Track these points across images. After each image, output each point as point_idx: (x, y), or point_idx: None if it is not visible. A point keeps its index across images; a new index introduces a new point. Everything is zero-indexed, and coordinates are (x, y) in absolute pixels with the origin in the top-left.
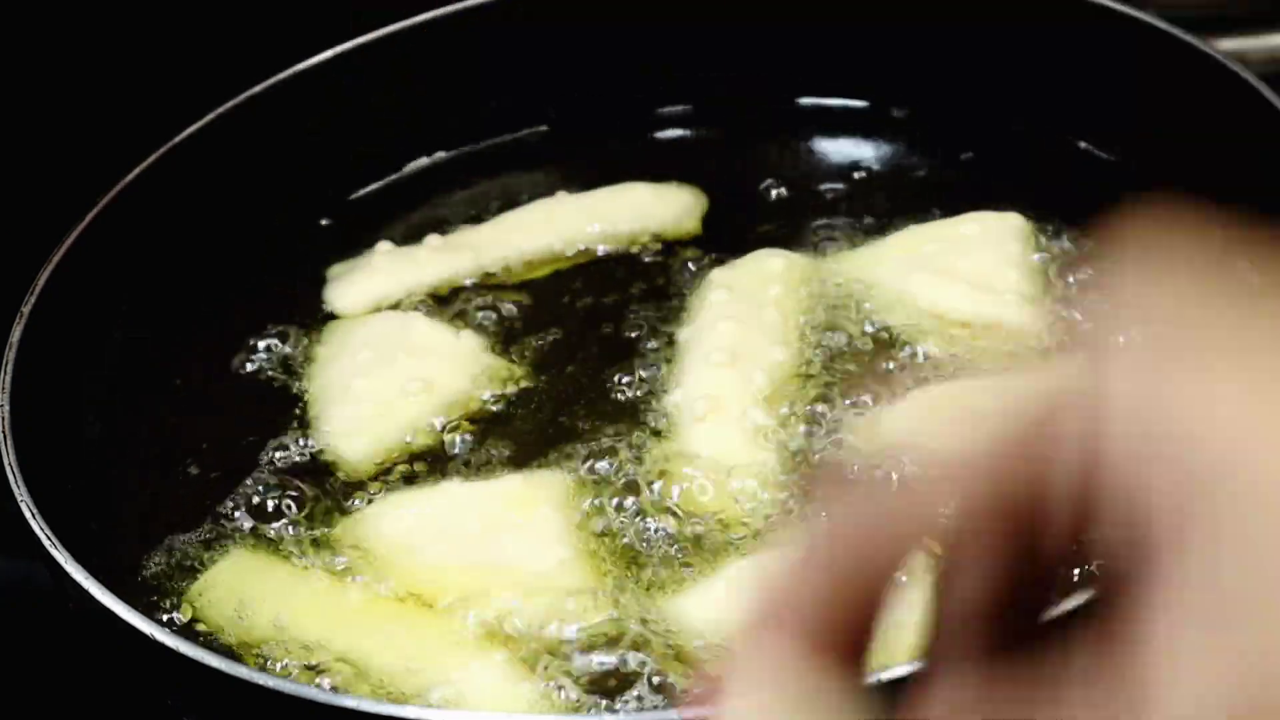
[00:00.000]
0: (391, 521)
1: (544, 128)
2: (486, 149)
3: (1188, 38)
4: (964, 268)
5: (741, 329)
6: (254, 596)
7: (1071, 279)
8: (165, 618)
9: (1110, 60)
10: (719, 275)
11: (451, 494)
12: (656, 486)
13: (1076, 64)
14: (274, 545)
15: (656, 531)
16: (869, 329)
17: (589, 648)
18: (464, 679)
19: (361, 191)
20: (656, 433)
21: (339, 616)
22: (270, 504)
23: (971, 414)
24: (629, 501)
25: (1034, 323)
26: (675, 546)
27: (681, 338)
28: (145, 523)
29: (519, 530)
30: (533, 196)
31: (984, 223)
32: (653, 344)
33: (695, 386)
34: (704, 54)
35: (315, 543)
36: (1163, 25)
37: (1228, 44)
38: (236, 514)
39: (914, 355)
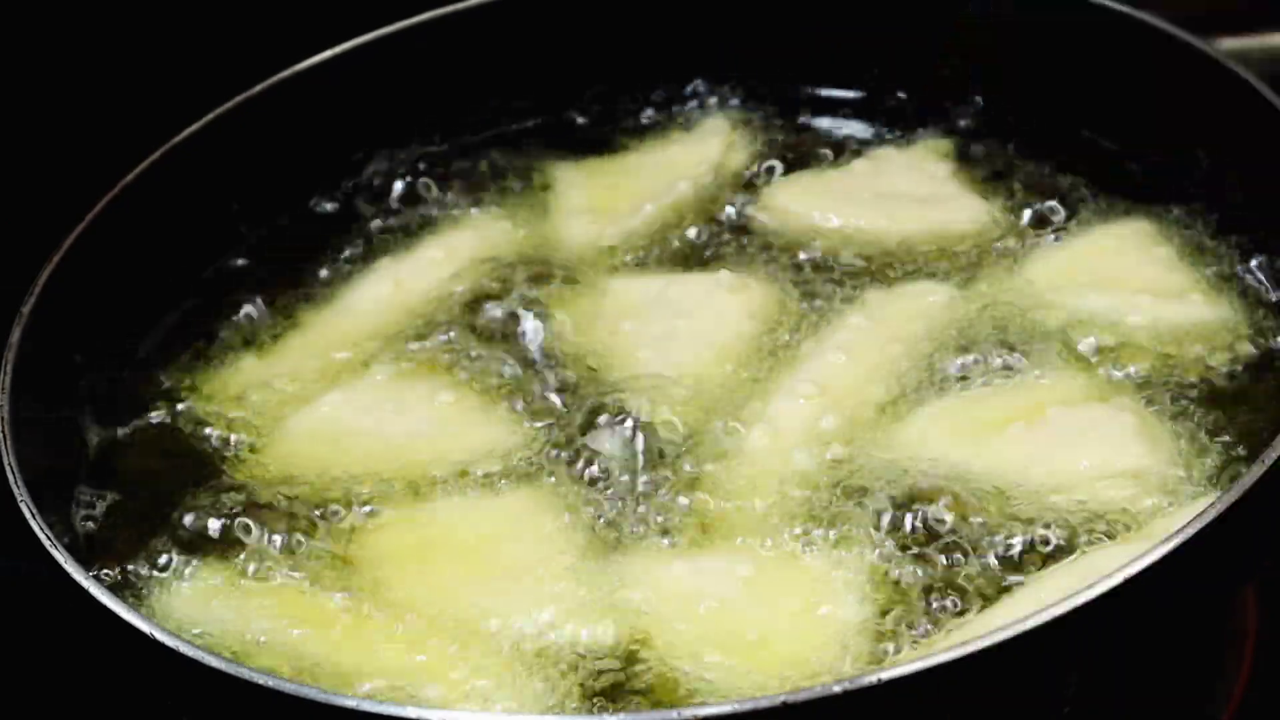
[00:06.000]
0: (394, 538)
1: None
2: (492, 139)
3: (1187, 37)
4: (1130, 279)
5: (851, 362)
6: (228, 606)
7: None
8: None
9: (1114, 57)
10: (871, 299)
11: (452, 509)
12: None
13: (1084, 61)
14: (262, 556)
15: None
16: (1011, 361)
17: (587, 650)
18: (462, 686)
19: (358, 191)
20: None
21: (326, 629)
22: (266, 511)
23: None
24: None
25: (1229, 314)
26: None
27: (804, 349)
28: (146, 523)
29: (520, 543)
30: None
31: (1116, 234)
32: None
33: (769, 415)
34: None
35: (310, 555)
36: (1163, 25)
37: (1230, 44)
38: (234, 518)
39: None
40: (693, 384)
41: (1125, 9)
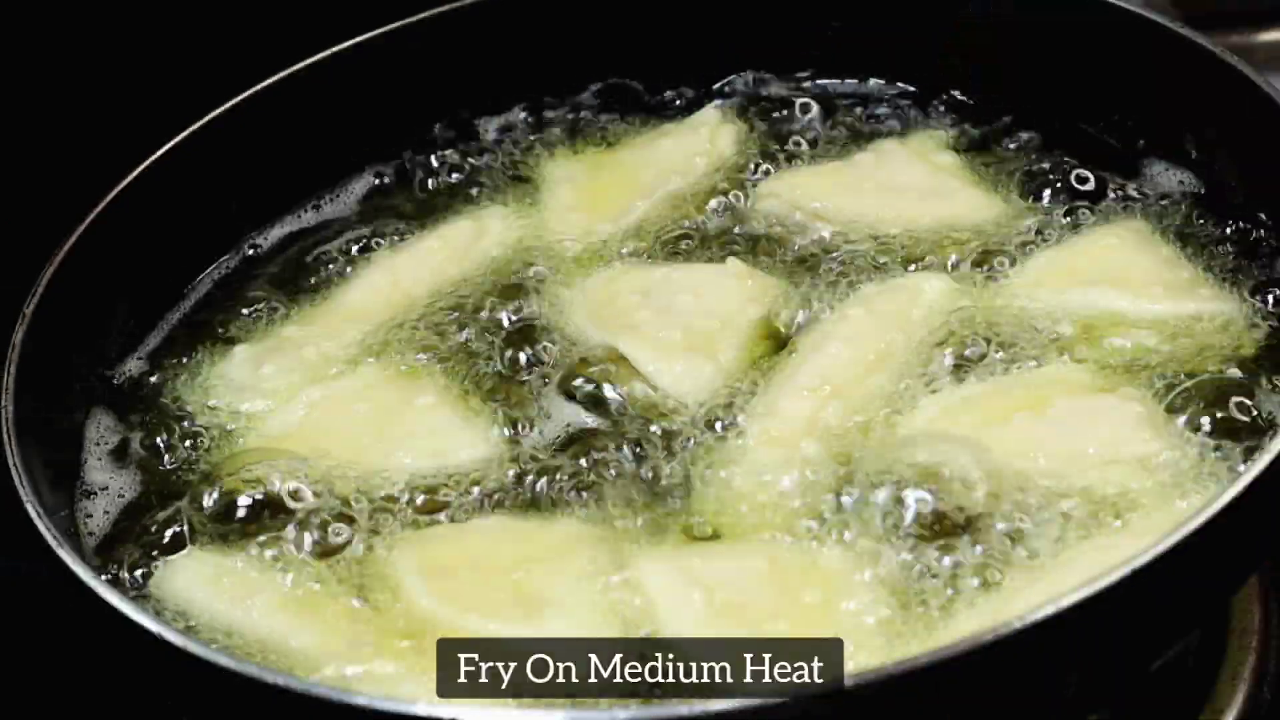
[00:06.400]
0: (396, 538)
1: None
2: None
3: (1189, 32)
4: (1132, 273)
5: (852, 353)
6: (229, 605)
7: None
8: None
9: (1116, 53)
10: (867, 291)
11: (451, 509)
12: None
13: (1086, 57)
14: (263, 554)
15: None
16: (1001, 354)
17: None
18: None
19: (356, 189)
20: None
21: (327, 629)
22: (267, 510)
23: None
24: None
25: (1231, 307)
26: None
27: (801, 344)
28: (146, 521)
29: (522, 543)
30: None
31: (1118, 230)
32: None
33: (772, 409)
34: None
35: (310, 555)
36: (1165, 21)
37: (1232, 40)
38: (234, 517)
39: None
40: (693, 380)
41: (1127, 6)
